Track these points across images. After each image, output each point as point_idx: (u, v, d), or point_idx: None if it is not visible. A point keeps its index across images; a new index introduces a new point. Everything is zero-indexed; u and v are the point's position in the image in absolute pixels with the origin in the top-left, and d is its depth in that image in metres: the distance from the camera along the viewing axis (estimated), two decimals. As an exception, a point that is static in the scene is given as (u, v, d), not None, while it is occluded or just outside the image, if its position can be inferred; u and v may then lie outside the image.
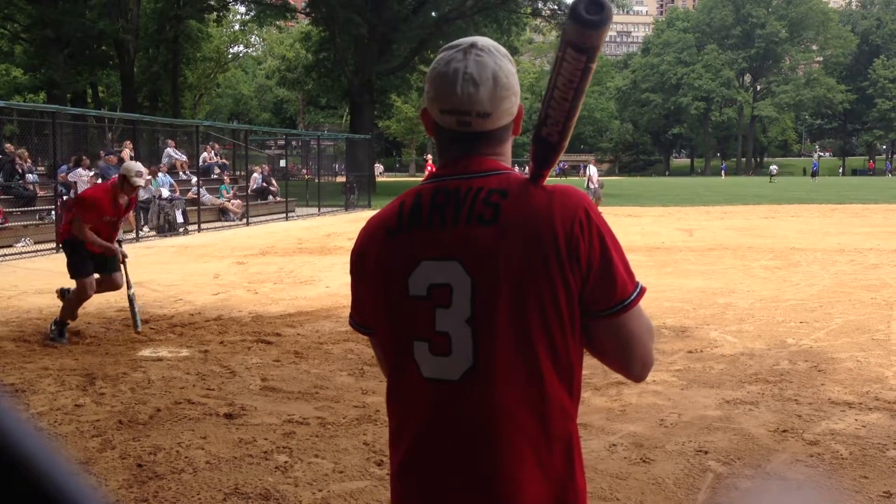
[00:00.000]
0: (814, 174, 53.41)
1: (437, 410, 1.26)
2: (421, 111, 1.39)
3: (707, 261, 11.11)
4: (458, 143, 1.32)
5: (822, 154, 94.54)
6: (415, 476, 1.29)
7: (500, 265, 1.22)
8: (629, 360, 1.33)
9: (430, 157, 25.27)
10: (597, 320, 1.27)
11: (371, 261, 1.33)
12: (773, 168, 55.71)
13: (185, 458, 3.77)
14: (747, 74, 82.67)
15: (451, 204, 1.28)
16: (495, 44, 1.32)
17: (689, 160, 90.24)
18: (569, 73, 1.22)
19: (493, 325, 1.22)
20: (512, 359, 1.22)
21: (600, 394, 4.80)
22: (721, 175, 69.44)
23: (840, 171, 78.73)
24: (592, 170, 22.58)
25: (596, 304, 1.25)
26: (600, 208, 22.09)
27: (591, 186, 21.85)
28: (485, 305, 1.23)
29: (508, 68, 1.30)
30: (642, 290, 1.32)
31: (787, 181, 52.80)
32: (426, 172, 22.38)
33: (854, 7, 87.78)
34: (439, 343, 1.25)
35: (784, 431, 4.10)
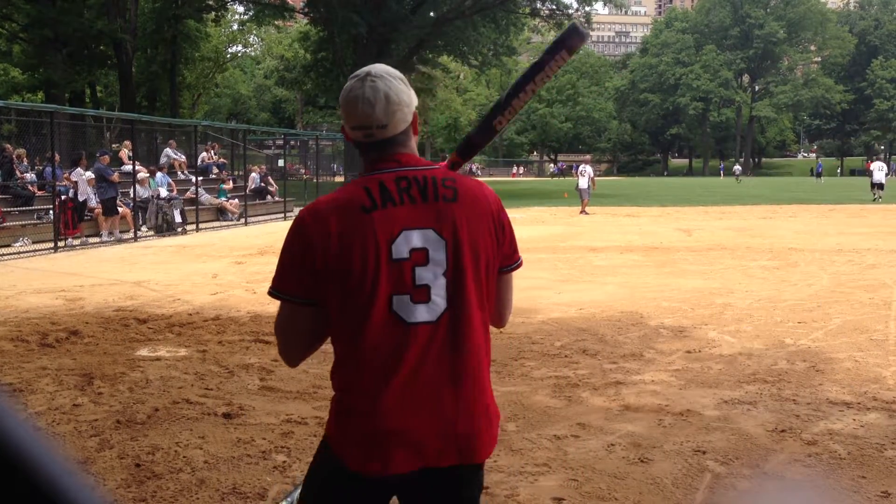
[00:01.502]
0: (818, 175, 53.66)
1: (422, 346, 1.62)
2: (342, 128, 1.77)
3: (705, 261, 11.12)
4: (372, 150, 1.71)
5: (806, 154, 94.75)
6: (409, 395, 1.61)
7: (463, 231, 1.66)
8: (508, 307, 1.85)
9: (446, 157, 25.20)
10: (500, 275, 1.77)
11: (343, 236, 1.61)
12: (737, 168, 55.80)
13: (184, 457, 3.76)
14: (745, 75, 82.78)
15: (415, 187, 1.66)
16: (388, 69, 1.72)
17: (687, 160, 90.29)
18: (551, 71, 1.76)
19: (462, 276, 1.65)
20: (475, 300, 1.67)
21: (598, 393, 4.81)
22: (720, 175, 69.51)
23: (838, 171, 78.79)
24: (590, 170, 22.56)
25: (503, 261, 1.76)
26: (588, 208, 22.15)
27: (583, 186, 21.81)
28: (457, 262, 1.65)
29: (398, 87, 1.68)
30: (522, 259, 1.86)
31: (786, 181, 52.83)
32: None
33: (852, 8, 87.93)
34: (419, 294, 1.62)
35: (782, 431, 4.10)
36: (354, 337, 1.62)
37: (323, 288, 1.63)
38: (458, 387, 1.64)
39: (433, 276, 1.63)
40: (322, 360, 5.64)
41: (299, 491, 1.95)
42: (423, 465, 1.62)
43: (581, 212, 21.85)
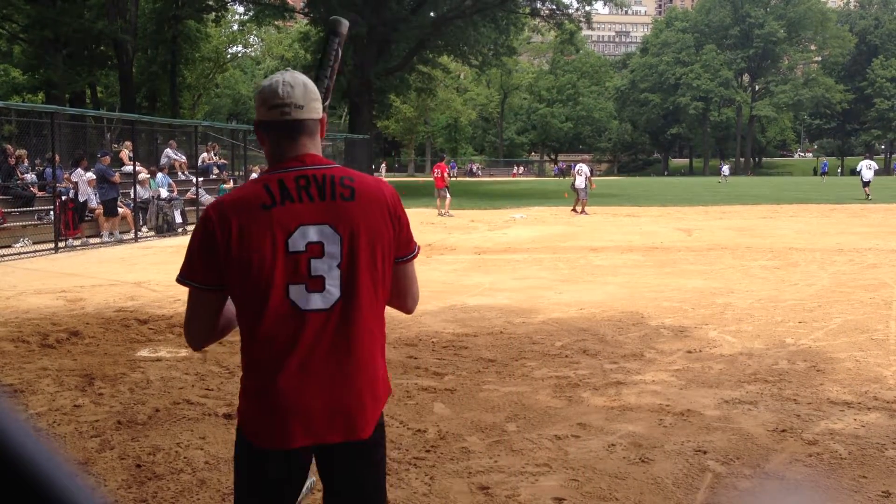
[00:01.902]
0: (823, 174, 53.75)
1: (315, 332, 1.77)
2: (254, 128, 1.90)
3: (706, 261, 11.11)
4: (285, 136, 1.84)
5: (802, 154, 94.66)
6: (303, 375, 1.76)
7: (360, 227, 1.80)
8: (410, 294, 1.98)
9: (445, 158, 25.26)
10: (397, 265, 1.90)
11: (243, 230, 1.75)
12: (724, 169, 55.77)
13: (184, 458, 3.77)
14: (746, 74, 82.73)
15: (314, 186, 1.80)
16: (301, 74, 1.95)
17: (687, 160, 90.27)
18: (336, 57, 2.22)
19: (356, 268, 1.79)
20: (369, 291, 1.82)
21: (599, 393, 4.81)
22: (718, 175, 69.47)
23: (839, 171, 78.76)
24: (586, 169, 22.52)
25: (398, 252, 1.89)
26: (588, 208, 22.10)
27: (580, 186, 21.73)
28: (351, 255, 1.79)
29: (309, 82, 1.89)
30: (419, 248, 2.00)
31: (785, 181, 52.86)
32: (434, 174, 22.38)
33: (852, 7, 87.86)
34: (314, 284, 1.77)
35: (783, 431, 4.10)
36: (255, 322, 1.78)
37: (225, 277, 1.79)
38: (348, 370, 1.79)
39: (328, 268, 1.78)
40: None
41: (308, 484, 2.24)
42: (315, 440, 1.78)
43: (580, 211, 21.71)
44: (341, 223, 1.79)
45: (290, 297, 1.77)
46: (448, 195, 21.62)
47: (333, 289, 1.78)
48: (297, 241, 1.77)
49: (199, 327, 1.87)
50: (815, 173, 64.83)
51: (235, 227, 1.75)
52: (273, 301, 1.76)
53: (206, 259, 1.79)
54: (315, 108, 1.86)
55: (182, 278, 1.84)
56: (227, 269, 1.77)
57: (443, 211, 21.17)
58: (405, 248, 1.91)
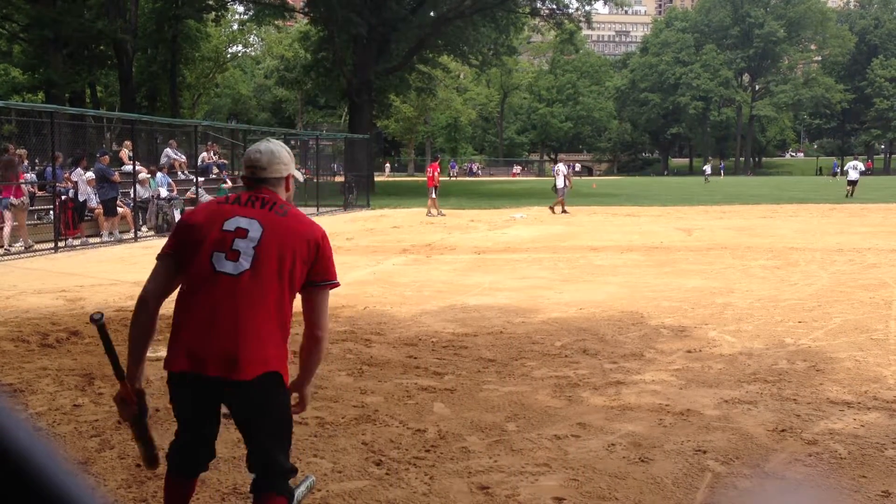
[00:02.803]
0: (835, 174, 53.85)
1: (223, 290, 2.35)
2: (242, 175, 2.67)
3: (706, 260, 11.11)
4: (252, 185, 2.56)
5: (793, 154, 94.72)
6: (206, 321, 2.34)
7: (280, 231, 2.41)
8: (319, 324, 2.50)
9: (439, 158, 25.27)
10: (310, 287, 2.47)
11: (201, 217, 2.49)
12: (707, 168, 55.96)
13: (184, 458, 3.76)
14: (746, 74, 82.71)
15: (259, 202, 2.49)
16: (280, 144, 2.64)
17: (687, 160, 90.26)
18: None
19: (268, 254, 2.38)
20: (274, 276, 2.37)
21: (599, 393, 4.81)
22: (720, 175, 69.44)
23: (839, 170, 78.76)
24: (564, 168, 22.59)
25: (313, 275, 2.45)
26: (587, 208, 22.09)
27: (560, 185, 21.78)
28: (268, 245, 2.39)
29: (280, 151, 2.58)
30: (337, 283, 2.55)
31: (784, 181, 52.85)
32: (428, 175, 22.39)
33: (852, 7, 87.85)
34: (231, 255, 2.38)
35: (783, 431, 4.10)
36: (186, 277, 2.43)
37: (180, 250, 2.46)
38: (238, 324, 2.32)
39: (246, 246, 2.37)
40: (322, 360, 5.64)
41: (307, 483, 2.78)
42: (199, 370, 2.31)
43: (559, 212, 21.63)
44: (268, 223, 2.41)
45: (212, 261, 2.37)
46: (434, 195, 21.64)
47: (245, 262, 2.36)
48: (230, 224, 2.41)
49: (152, 282, 2.50)
50: (818, 173, 64.85)
51: (199, 218, 2.51)
52: (198, 262, 2.39)
53: (174, 238, 2.52)
54: (277, 170, 2.54)
55: (159, 254, 2.54)
56: (182, 244, 2.47)
57: (433, 211, 21.05)
58: (320, 275, 2.45)
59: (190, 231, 2.45)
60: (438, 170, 22.30)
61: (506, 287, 8.97)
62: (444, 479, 3.53)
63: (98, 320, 2.40)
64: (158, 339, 6.40)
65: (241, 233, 2.38)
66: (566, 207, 21.89)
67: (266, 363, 2.35)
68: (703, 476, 3.55)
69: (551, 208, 21.90)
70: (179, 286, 2.50)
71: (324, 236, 2.51)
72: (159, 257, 2.51)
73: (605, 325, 6.80)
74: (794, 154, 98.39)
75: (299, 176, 2.67)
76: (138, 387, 2.48)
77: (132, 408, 2.47)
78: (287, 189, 2.59)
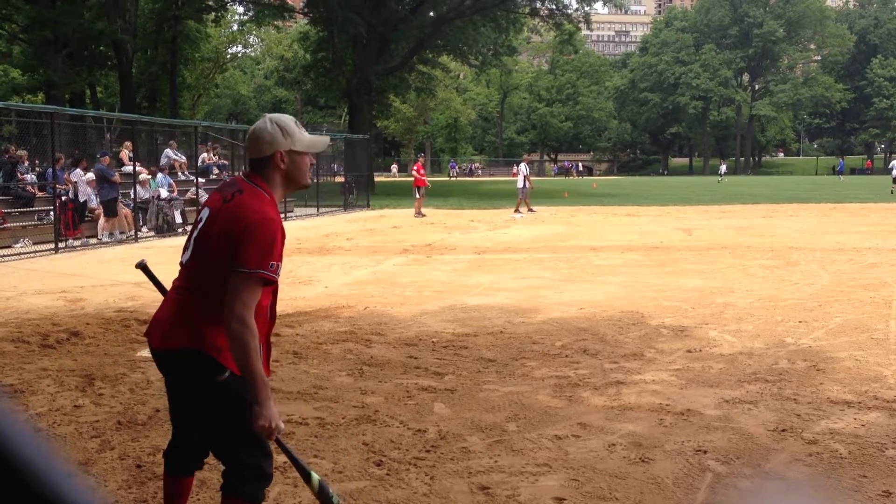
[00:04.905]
0: (839, 173, 53.87)
1: (180, 277, 2.56)
2: None
3: (706, 260, 11.12)
4: (249, 162, 2.63)
5: (775, 154, 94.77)
6: (167, 303, 2.59)
7: (222, 217, 2.46)
8: (229, 307, 2.33)
9: (421, 159, 25.43)
10: (230, 271, 2.37)
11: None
12: (723, 167, 56.19)
13: (185, 458, 3.76)
14: (745, 74, 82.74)
15: (230, 189, 2.54)
16: (275, 116, 2.56)
17: (687, 160, 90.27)
18: None
19: (207, 242, 2.47)
20: (211, 264, 2.44)
21: (599, 393, 4.81)
22: (718, 174, 69.41)
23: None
24: (524, 168, 22.71)
25: (233, 259, 2.37)
26: (587, 208, 22.13)
27: (520, 185, 21.94)
28: (204, 234, 2.49)
29: (264, 129, 2.50)
30: (260, 275, 2.36)
31: (784, 180, 52.85)
32: (413, 173, 22.44)
33: (851, 6, 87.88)
34: (187, 245, 2.57)
35: (783, 431, 4.10)
36: None
37: None
38: (176, 304, 2.52)
39: (195, 235, 2.54)
40: (322, 361, 5.64)
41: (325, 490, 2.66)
42: (152, 344, 2.54)
43: (525, 211, 21.61)
44: (214, 210, 2.50)
45: (183, 253, 2.60)
46: (419, 195, 21.58)
47: (188, 252, 2.55)
48: (199, 216, 2.59)
49: None
50: (818, 173, 64.86)
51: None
52: (182, 255, 2.61)
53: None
54: (260, 149, 2.50)
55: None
56: None
57: (422, 211, 21.01)
58: (238, 259, 2.36)
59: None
60: (423, 170, 22.35)
61: (506, 287, 8.97)
62: (445, 479, 3.53)
63: (143, 265, 3.04)
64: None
65: (198, 224, 2.54)
66: (531, 207, 22.07)
67: (200, 342, 2.42)
68: (703, 476, 3.55)
69: (516, 210, 21.94)
70: None
71: (259, 221, 2.36)
72: None
73: (605, 325, 6.80)
74: (777, 154, 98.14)
75: (302, 142, 2.51)
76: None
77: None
78: (279, 167, 2.48)
